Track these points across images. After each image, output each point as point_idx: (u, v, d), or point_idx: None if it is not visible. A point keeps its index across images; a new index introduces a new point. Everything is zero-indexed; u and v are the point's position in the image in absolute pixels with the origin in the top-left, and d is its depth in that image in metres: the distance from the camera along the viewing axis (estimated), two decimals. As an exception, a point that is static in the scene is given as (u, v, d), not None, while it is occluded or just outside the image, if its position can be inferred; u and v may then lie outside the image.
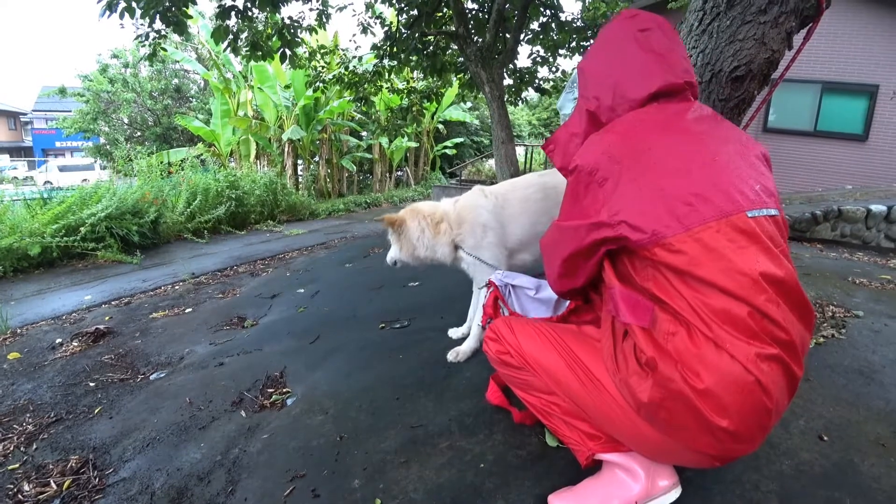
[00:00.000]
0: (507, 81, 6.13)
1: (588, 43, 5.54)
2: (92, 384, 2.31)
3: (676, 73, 1.11)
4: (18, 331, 3.20)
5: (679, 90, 1.12)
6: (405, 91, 7.62)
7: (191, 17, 4.14)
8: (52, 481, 1.60)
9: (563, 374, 1.14)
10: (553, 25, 5.56)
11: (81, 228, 5.15)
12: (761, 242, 0.93)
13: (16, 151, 33.01)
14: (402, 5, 5.31)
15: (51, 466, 1.68)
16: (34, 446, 1.83)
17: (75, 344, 2.86)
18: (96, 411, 2.06)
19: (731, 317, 0.89)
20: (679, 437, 0.95)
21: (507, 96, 5.88)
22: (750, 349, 0.88)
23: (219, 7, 4.12)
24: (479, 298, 2.10)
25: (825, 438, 1.51)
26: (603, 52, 1.20)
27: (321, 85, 6.60)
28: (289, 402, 1.97)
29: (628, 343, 1.00)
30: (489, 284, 1.75)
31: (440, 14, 5.46)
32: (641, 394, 0.95)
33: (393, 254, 2.19)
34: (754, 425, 0.91)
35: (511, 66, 5.97)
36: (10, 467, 1.69)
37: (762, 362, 0.88)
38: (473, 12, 5.46)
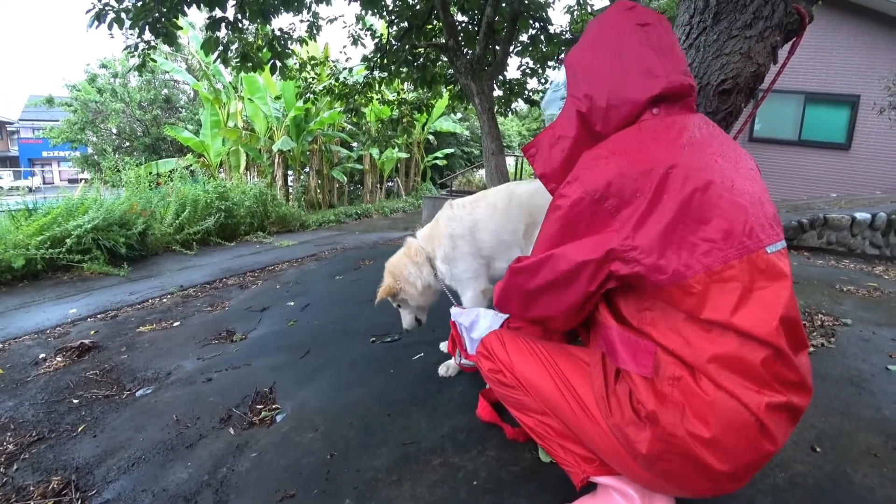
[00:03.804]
0: (497, 93, 6.19)
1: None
2: (76, 401, 2.26)
3: (679, 74, 1.00)
4: (0, 346, 3.13)
5: (683, 94, 1.02)
6: (396, 102, 7.65)
7: (180, 27, 4.13)
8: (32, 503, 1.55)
9: (554, 397, 1.10)
10: (542, 38, 5.62)
11: (67, 240, 5.05)
12: (780, 280, 0.89)
13: (1, 161, 32.61)
14: (393, 17, 5.35)
15: (32, 488, 1.63)
16: (15, 467, 1.77)
17: (59, 359, 2.80)
18: (80, 429, 2.01)
19: (743, 364, 0.84)
20: (676, 483, 0.93)
21: (496, 107, 5.92)
22: (761, 399, 0.84)
23: (209, 18, 4.12)
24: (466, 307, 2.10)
25: (818, 450, 1.51)
26: (596, 45, 1.06)
27: (311, 96, 6.60)
28: (278, 418, 1.93)
29: (622, 386, 0.95)
30: (451, 324, 1.80)
31: (430, 26, 5.50)
32: (640, 445, 0.91)
33: (406, 317, 2.19)
34: (753, 468, 0.90)
35: (501, 77, 6.02)
36: (-12, 490, 1.64)
37: (772, 412, 0.85)
38: (463, 25, 5.51)
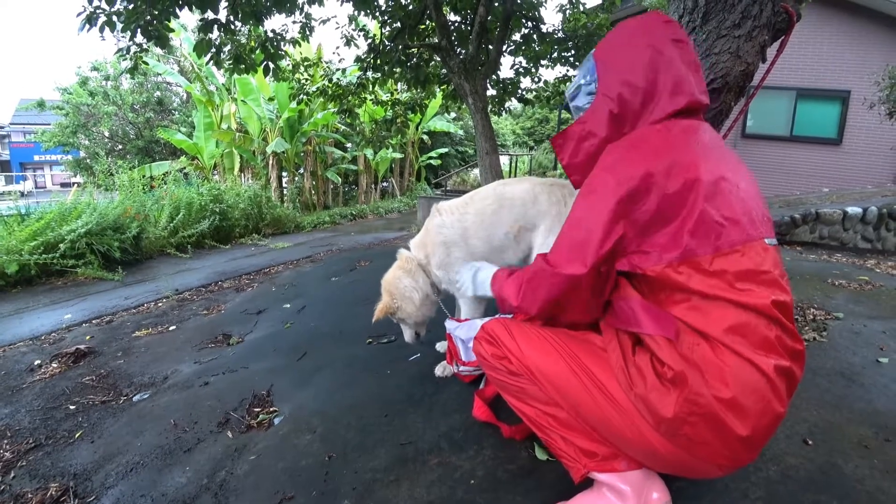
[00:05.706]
0: (491, 92, 6.19)
1: (569, 53, 5.62)
2: (72, 407, 2.26)
3: (700, 93, 1.11)
4: (-5, 353, 3.11)
5: (699, 109, 1.13)
6: (389, 103, 7.63)
7: (173, 30, 4.11)
8: (30, 511, 1.55)
9: (568, 382, 1.09)
10: (535, 37, 5.64)
11: (61, 245, 5.03)
12: (777, 268, 0.99)
13: (-8, 166, 32.31)
14: (386, 18, 5.35)
15: (29, 495, 1.63)
16: (12, 474, 1.77)
17: (55, 365, 2.79)
18: (77, 436, 2.01)
19: (751, 331, 0.93)
20: (697, 452, 0.95)
21: (490, 107, 5.93)
22: (770, 361, 0.92)
23: (201, 20, 4.11)
24: (464, 310, 2.11)
25: (810, 442, 1.53)
26: (634, 49, 1.12)
27: (305, 97, 6.58)
28: (276, 421, 1.94)
29: (642, 357, 0.99)
30: (447, 336, 1.81)
31: (423, 26, 5.51)
32: (665, 409, 0.94)
33: (407, 331, 2.17)
34: (767, 432, 0.94)
35: (494, 76, 6.03)
36: (-14, 498, 1.64)
37: (779, 374, 0.92)
38: (456, 24, 5.51)
